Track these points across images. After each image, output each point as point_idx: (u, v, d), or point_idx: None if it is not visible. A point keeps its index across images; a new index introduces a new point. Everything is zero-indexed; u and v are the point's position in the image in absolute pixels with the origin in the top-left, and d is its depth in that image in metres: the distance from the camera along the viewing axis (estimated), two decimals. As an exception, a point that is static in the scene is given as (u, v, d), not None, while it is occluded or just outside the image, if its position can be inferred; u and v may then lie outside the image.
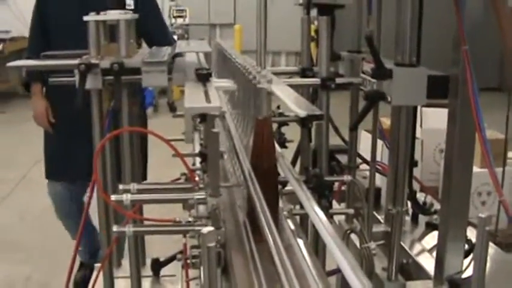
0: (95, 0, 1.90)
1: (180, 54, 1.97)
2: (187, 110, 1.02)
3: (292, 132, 1.93)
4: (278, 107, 1.94)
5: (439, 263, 1.55)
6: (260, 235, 0.97)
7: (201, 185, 1.34)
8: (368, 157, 1.86)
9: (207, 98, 1.12)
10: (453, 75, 1.45)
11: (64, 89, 1.81)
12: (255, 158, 1.15)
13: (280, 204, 1.23)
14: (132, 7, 2.83)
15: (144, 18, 2.84)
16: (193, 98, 1.12)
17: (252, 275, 0.96)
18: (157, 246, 2.67)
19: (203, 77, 1.36)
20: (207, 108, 1.08)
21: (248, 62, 1.46)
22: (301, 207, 1.13)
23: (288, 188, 1.32)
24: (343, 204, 2.09)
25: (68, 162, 2.89)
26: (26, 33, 3.14)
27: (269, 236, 0.90)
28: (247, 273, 0.99)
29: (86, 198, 2.01)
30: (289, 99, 1.20)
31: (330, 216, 1.78)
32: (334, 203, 1.99)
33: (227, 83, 1.36)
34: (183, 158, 1.49)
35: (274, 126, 1.98)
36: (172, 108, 7.91)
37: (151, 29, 2.90)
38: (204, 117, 1.16)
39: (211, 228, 0.84)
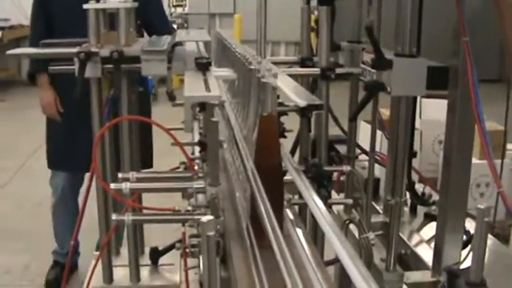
0: None
1: (179, 43, 1.97)
2: (187, 98, 1.02)
3: (292, 122, 1.93)
4: (277, 97, 1.94)
5: (437, 254, 1.56)
6: (261, 231, 0.98)
7: (200, 174, 1.34)
8: (367, 147, 1.86)
9: (207, 87, 1.12)
10: (453, 66, 1.45)
11: (68, 79, 1.81)
12: (259, 157, 1.09)
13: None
14: None
15: (145, 7, 2.83)
16: (193, 87, 1.12)
17: (251, 265, 0.96)
18: (156, 235, 2.67)
19: (203, 66, 1.36)
20: (206, 97, 1.08)
21: (248, 51, 1.46)
22: (300, 197, 1.13)
23: (287, 177, 1.33)
24: (342, 195, 2.09)
25: (72, 152, 2.89)
26: (25, 21, 3.14)
27: (268, 225, 0.91)
28: (246, 263, 0.99)
29: (83, 190, 2.02)
30: (289, 89, 1.20)
31: (328, 206, 1.79)
32: (333, 193, 1.99)
33: (227, 72, 1.36)
34: (183, 147, 1.49)
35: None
36: (171, 97, 7.90)
37: (152, 18, 2.89)
38: (204, 106, 1.17)
39: (210, 217, 0.84)
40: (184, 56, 1.74)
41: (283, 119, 2.05)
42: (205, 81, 1.19)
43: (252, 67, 1.21)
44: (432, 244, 1.62)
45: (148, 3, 2.86)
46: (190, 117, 1.13)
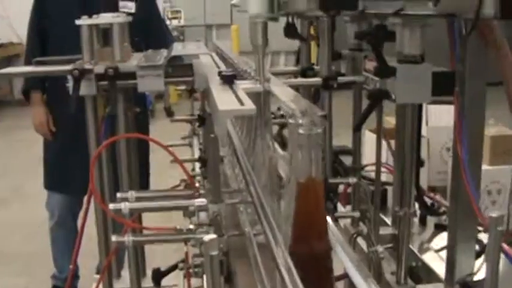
0: (96, 0, 1.91)
1: (179, 58, 1.97)
2: (222, 113, 1.01)
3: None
4: (279, 109, 1.95)
5: (450, 265, 1.55)
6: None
7: (202, 191, 1.34)
8: (373, 157, 1.86)
9: (239, 100, 1.11)
10: (459, 71, 1.45)
11: (63, 97, 1.82)
12: (299, 243, 0.80)
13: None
14: (133, 11, 2.83)
15: (146, 24, 2.85)
16: (224, 101, 1.10)
17: (257, 284, 0.96)
18: (158, 256, 2.67)
19: (228, 79, 1.34)
20: (242, 111, 1.07)
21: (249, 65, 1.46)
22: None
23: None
24: (348, 207, 2.09)
25: (68, 174, 2.89)
26: (15, 39, 3.15)
27: (272, 241, 0.91)
28: (252, 281, 0.99)
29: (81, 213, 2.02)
30: (290, 100, 1.20)
31: (335, 220, 1.79)
32: (340, 206, 1.99)
33: (253, 85, 1.34)
34: (182, 164, 1.49)
35: (275, 128, 1.98)
36: (169, 113, 7.88)
37: (152, 34, 2.91)
38: (203, 121, 1.17)
39: (213, 236, 0.84)
40: (204, 69, 1.73)
41: (286, 131, 2.06)
42: (235, 94, 1.18)
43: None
44: (444, 255, 1.62)
45: (149, 19, 2.87)
46: (226, 132, 1.12)
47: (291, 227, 0.82)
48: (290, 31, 1.84)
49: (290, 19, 1.84)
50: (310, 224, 0.75)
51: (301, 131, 0.86)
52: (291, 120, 0.94)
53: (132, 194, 1.36)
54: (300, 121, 0.89)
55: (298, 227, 0.78)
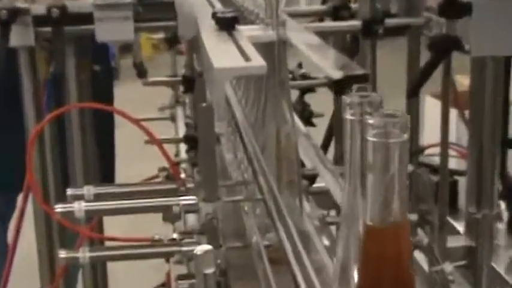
0: None
1: None
2: (218, 73, 1.02)
3: (322, 103, 1.94)
4: (300, 65, 1.95)
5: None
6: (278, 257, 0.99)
7: (190, 185, 1.35)
8: (436, 137, 1.87)
9: (243, 53, 1.11)
10: None
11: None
12: None
13: (307, 208, 1.25)
14: None
15: None
16: (222, 55, 1.11)
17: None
18: (126, 278, 2.70)
19: (227, 23, 1.32)
20: (247, 69, 1.07)
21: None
22: (339, 212, 1.14)
23: (318, 185, 1.34)
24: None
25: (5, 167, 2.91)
26: None
27: (292, 256, 0.92)
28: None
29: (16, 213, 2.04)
30: (316, 53, 1.21)
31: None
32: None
33: (263, 31, 1.32)
34: (161, 145, 1.51)
35: (295, 93, 1.99)
36: (141, 72, 7.86)
37: None
38: (191, 86, 1.18)
39: (207, 248, 0.86)
40: (190, 10, 1.71)
41: (309, 98, 2.07)
42: (237, 45, 1.18)
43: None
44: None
45: None
46: (223, 102, 1.11)
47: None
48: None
49: None
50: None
51: (373, 137, 0.67)
52: (350, 115, 0.80)
53: (89, 189, 1.38)
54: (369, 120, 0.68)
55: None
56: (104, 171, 2.33)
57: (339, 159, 1.79)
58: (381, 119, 0.67)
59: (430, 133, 2.10)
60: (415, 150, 2.03)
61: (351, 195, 0.82)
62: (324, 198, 1.28)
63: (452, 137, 1.92)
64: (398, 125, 0.67)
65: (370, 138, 0.67)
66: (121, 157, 3.08)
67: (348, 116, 0.80)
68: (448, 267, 1.65)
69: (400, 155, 0.67)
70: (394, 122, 0.67)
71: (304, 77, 1.82)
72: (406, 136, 0.67)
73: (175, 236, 1.32)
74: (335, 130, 1.88)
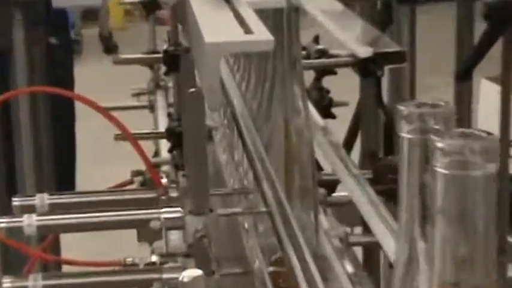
0: None
1: None
2: (211, 48, 1.02)
3: (345, 88, 1.94)
4: (316, 39, 1.95)
5: None
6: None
7: (173, 194, 1.35)
8: (493, 130, 1.87)
9: (243, 25, 1.11)
10: None
11: None
12: None
13: (324, 224, 1.25)
14: None
15: None
16: (216, 25, 1.11)
17: None
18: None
19: None
20: (248, 44, 1.07)
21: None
22: (365, 229, 1.14)
23: (339, 194, 1.34)
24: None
25: None
26: None
27: (305, 286, 0.93)
28: None
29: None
30: (337, 24, 1.21)
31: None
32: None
33: None
34: (136, 142, 1.51)
35: (310, 76, 1.99)
36: (109, 46, 7.85)
37: None
38: (175, 65, 1.18)
39: (196, 273, 0.86)
40: None
41: (328, 81, 2.06)
42: (236, 13, 1.18)
43: None
44: None
45: None
46: (218, 85, 1.09)
47: None
48: None
49: None
50: None
51: (445, 168, 0.61)
52: (407, 133, 0.70)
53: (42, 199, 1.38)
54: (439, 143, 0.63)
55: None
56: (62, 175, 2.33)
57: (365, 161, 1.79)
58: (457, 141, 0.60)
59: (485, 126, 2.10)
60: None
61: (408, 249, 0.73)
62: (347, 211, 1.28)
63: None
64: (482, 151, 0.59)
65: (440, 170, 0.60)
66: (84, 157, 3.08)
67: (404, 134, 0.69)
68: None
69: (486, 193, 0.60)
70: (477, 147, 0.59)
71: (322, 54, 1.81)
72: (493, 167, 0.60)
73: (154, 259, 1.32)
74: (362, 123, 1.88)
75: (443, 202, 0.59)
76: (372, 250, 1.60)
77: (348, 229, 1.30)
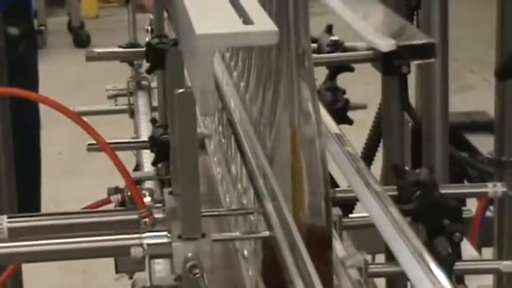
0: None
1: None
2: (203, 41, 1.02)
3: (364, 88, 1.95)
4: (329, 29, 1.96)
5: None
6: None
7: (158, 215, 1.36)
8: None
9: (241, 12, 1.12)
10: None
11: None
12: None
13: (340, 251, 1.25)
14: None
15: None
16: (208, 14, 1.11)
17: None
18: None
19: None
20: (250, 36, 1.08)
21: None
22: (389, 256, 1.14)
23: (357, 214, 1.34)
24: (487, 249, 2.11)
25: None
26: None
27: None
28: None
29: None
30: (355, 12, 1.22)
31: (458, 280, 1.81)
32: (469, 247, 2.01)
33: None
34: (114, 153, 1.52)
35: (322, 73, 2.00)
36: (81, 39, 7.85)
37: None
38: (160, 61, 1.19)
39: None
40: None
41: (345, 80, 2.07)
42: (233, 0, 1.18)
43: None
44: None
45: None
46: (212, 84, 1.09)
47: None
48: None
49: None
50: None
51: None
52: None
53: (0, 222, 1.39)
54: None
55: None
56: (25, 193, 2.34)
57: (389, 176, 1.79)
58: None
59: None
60: (508, 160, 2.04)
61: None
62: (367, 236, 1.29)
63: None
64: None
65: None
66: (51, 171, 3.08)
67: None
68: None
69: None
70: None
71: (337, 47, 1.82)
72: None
73: (136, 295, 1.33)
74: (384, 130, 1.88)
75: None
76: (397, 282, 1.61)
77: (368, 257, 1.30)
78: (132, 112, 2.80)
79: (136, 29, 2.99)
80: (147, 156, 2.04)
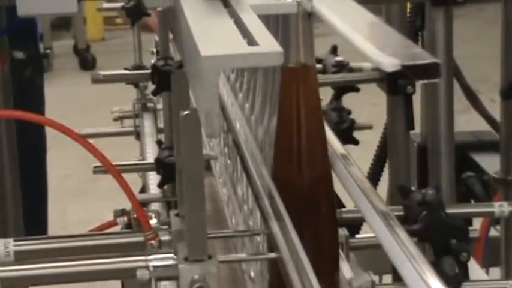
0: None
1: None
2: (208, 63, 1.01)
3: (369, 108, 1.94)
4: (334, 50, 1.96)
5: None
6: None
7: (164, 237, 1.36)
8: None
9: (246, 34, 1.11)
10: None
11: None
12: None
13: (346, 272, 1.25)
14: None
15: None
16: (213, 36, 1.10)
17: None
18: None
19: None
20: (255, 57, 1.07)
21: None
22: (396, 277, 1.14)
23: (364, 235, 1.34)
24: (495, 269, 2.10)
25: None
26: None
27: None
28: None
29: None
30: (359, 32, 1.21)
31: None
32: (476, 268, 2.00)
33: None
34: (120, 176, 1.52)
35: (328, 93, 2.00)
36: (86, 61, 7.87)
37: None
38: (166, 83, 1.18)
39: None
40: None
41: (348, 99, 2.06)
42: (237, 20, 1.18)
43: None
44: None
45: None
46: (217, 108, 1.08)
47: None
48: None
49: None
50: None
51: None
52: None
53: (6, 244, 1.38)
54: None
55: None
56: (31, 217, 2.34)
57: (395, 196, 1.79)
58: None
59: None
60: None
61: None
62: (373, 257, 1.28)
63: None
64: None
65: None
66: (57, 194, 3.08)
67: None
68: None
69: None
70: None
71: (342, 67, 1.82)
72: None
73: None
74: (390, 150, 1.88)
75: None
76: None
77: (375, 278, 1.30)
78: (138, 134, 2.80)
79: (142, 51, 2.98)
80: (153, 178, 2.03)
